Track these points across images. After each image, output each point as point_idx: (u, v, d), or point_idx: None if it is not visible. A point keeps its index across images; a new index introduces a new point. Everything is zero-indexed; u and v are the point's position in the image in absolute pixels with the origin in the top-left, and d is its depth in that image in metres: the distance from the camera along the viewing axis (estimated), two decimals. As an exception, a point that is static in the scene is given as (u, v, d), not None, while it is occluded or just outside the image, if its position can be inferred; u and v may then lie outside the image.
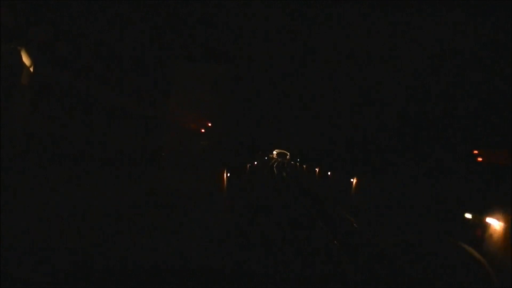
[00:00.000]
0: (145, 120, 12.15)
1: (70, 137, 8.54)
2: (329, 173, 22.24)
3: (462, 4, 7.39)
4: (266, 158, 54.35)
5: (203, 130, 17.38)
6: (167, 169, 11.00)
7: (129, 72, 10.73)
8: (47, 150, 7.64)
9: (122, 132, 10.69)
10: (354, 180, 16.06)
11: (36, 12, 7.15)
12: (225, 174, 14.51)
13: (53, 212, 6.23)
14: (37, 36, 7.26)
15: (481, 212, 6.76)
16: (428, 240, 8.15)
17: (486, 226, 6.45)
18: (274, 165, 49.84)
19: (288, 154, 64.42)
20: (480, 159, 9.24)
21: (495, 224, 6.22)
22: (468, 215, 7.11)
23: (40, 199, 6.34)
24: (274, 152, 67.27)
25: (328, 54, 11.80)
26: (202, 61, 13.32)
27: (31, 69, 7.22)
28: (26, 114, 7.31)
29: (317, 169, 27.32)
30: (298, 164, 48.36)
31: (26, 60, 7.04)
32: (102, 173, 8.68)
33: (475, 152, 9.30)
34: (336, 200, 16.40)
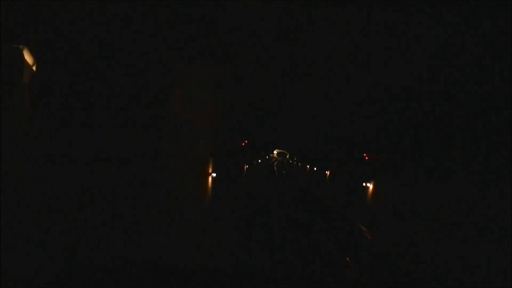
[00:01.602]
0: (145, 120, 12.15)
1: (69, 137, 8.55)
2: (315, 168, 32.60)
3: (462, 4, 7.39)
4: (267, 157, 60.74)
5: (243, 144, 26.81)
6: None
7: (129, 73, 10.73)
8: (47, 150, 7.64)
9: (122, 133, 10.69)
10: (328, 172, 25.89)
11: (36, 11, 7.15)
12: (245, 166, 24.62)
13: (53, 212, 6.24)
14: (37, 36, 7.27)
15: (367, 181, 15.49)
16: (348, 196, 17.62)
17: (367, 186, 14.95)
18: (275, 164, 56.55)
19: (288, 154, 68.13)
20: (366, 158, 17.92)
21: (369, 185, 14.81)
22: (363, 184, 15.21)
23: (40, 199, 6.34)
24: (275, 152, 71.43)
25: (327, 54, 11.81)
26: (202, 61, 13.32)
27: (32, 69, 7.23)
28: (27, 114, 7.31)
29: (307, 166, 38.39)
30: (295, 162, 57.31)
31: (27, 59, 7.04)
32: (106, 173, 8.69)
33: (364, 154, 17.99)
34: (313, 183, 27.66)
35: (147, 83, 11.88)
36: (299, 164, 49.49)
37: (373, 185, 12.75)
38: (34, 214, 5.79)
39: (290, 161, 62.80)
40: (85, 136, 9.04)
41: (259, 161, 45.44)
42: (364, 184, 14.18)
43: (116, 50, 9.73)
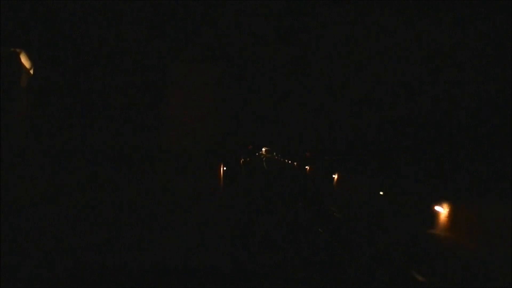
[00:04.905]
0: (144, 120, 12.14)
1: (68, 138, 8.54)
2: (289, 161, 44.48)
3: (462, 4, 7.40)
4: (257, 154, 70.43)
5: (250, 147, 35.66)
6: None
7: (128, 73, 10.72)
8: (46, 150, 7.63)
9: (121, 133, 10.68)
10: (295, 163, 35.88)
11: (35, 13, 7.14)
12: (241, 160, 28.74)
13: (53, 212, 6.23)
14: (36, 38, 7.26)
15: (306, 165, 27.00)
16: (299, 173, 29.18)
17: (306, 168, 26.74)
18: (264, 160, 64.93)
19: (274, 152, 79.18)
20: (307, 154, 29.88)
21: (307, 167, 26.71)
22: (305, 167, 24.73)
23: (39, 199, 6.33)
24: (263, 149, 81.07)
25: (327, 54, 11.81)
26: (201, 61, 13.32)
27: (31, 71, 7.23)
28: (26, 115, 7.31)
29: (286, 160, 50.24)
30: (279, 157, 69.52)
31: (25, 62, 7.03)
32: (106, 173, 8.67)
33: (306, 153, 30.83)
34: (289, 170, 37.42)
35: (146, 84, 11.86)
36: (281, 159, 62.22)
37: (308, 167, 23.64)
38: (35, 214, 5.79)
39: (276, 157, 74.88)
40: (85, 136, 9.02)
41: (256, 154, 61.66)
42: (305, 167, 25.57)
43: (114, 50, 9.72)
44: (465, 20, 7.81)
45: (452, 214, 4.78)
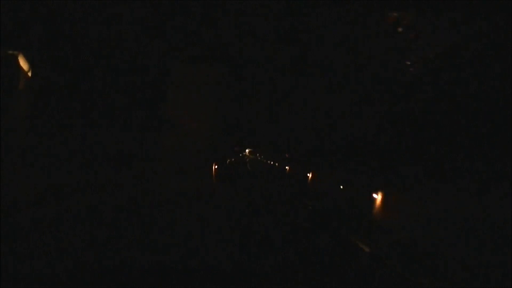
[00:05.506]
0: (144, 120, 12.14)
1: (68, 138, 8.53)
2: (271, 162, 44.50)
3: (462, 4, 7.41)
4: (241, 155, 70.88)
5: (236, 148, 35.76)
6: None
7: (128, 73, 10.72)
8: (46, 150, 7.63)
9: (121, 133, 10.67)
10: (277, 163, 34.76)
11: (33, 14, 7.13)
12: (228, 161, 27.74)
13: (53, 212, 6.23)
14: (35, 39, 7.26)
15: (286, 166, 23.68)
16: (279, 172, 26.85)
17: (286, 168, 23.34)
18: (247, 161, 65.54)
19: (257, 153, 79.52)
20: (286, 156, 29.57)
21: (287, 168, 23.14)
22: (285, 167, 22.03)
23: (39, 199, 6.33)
24: (247, 151, 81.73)
25: (327, 53, 11.82)
26: (201, 61, 13.32)
27: (29, 73, 7.23)
28: (26, 115, 7.31)
29: (269, 161, 50.15)
30: (261, 158, 69.39)
31: (23, 64, 7.03)
32: (105, 173, 8.67)
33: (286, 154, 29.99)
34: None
35: (146, 84, 11.86)
36: (264, 160, 64.72)
37: (288, 168, 24.01)
38: (35, 214, 5.79)
39: (259, 158, 75.13)
40: (85, 136, 9.02)
41: (240, 155, 64.54)
42: (285, 167, 26.02)
43: (114, 50, 9.72)
44: (465, 20, 7.81)
45: (382, 199, 7.11)
